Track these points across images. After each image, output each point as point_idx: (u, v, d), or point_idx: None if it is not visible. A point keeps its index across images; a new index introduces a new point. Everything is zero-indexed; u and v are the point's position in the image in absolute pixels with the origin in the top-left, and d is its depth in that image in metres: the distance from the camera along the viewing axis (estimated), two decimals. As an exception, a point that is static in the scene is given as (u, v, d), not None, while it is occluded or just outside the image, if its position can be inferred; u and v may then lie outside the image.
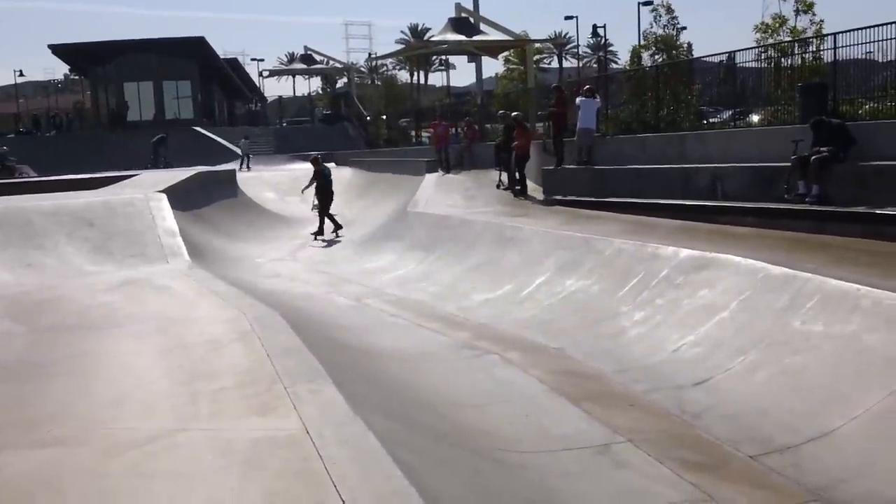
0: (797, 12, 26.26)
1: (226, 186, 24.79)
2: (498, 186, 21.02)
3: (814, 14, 26.02)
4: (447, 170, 24.61)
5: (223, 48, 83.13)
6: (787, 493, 5.55)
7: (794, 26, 26.05)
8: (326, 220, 21.40)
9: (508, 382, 8.20)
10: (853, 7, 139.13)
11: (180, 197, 18.63)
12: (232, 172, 27.82)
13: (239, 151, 40.25)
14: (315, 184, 21.56)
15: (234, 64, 67.76)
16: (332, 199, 21.66)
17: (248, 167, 38.09)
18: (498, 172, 21.42)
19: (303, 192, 23.25)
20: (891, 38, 13.68)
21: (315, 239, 21.03)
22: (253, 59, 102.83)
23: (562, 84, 23.06)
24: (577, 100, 18.79)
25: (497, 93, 45.07)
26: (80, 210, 15.77)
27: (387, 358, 9.09)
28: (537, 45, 55.80)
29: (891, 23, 13.54)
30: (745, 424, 6.59)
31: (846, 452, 5.82)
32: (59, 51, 57.24)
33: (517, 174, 19.88)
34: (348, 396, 5.84)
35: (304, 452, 4.81)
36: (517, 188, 19.89)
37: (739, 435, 6.43)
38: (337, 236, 21.33)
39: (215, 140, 46.25)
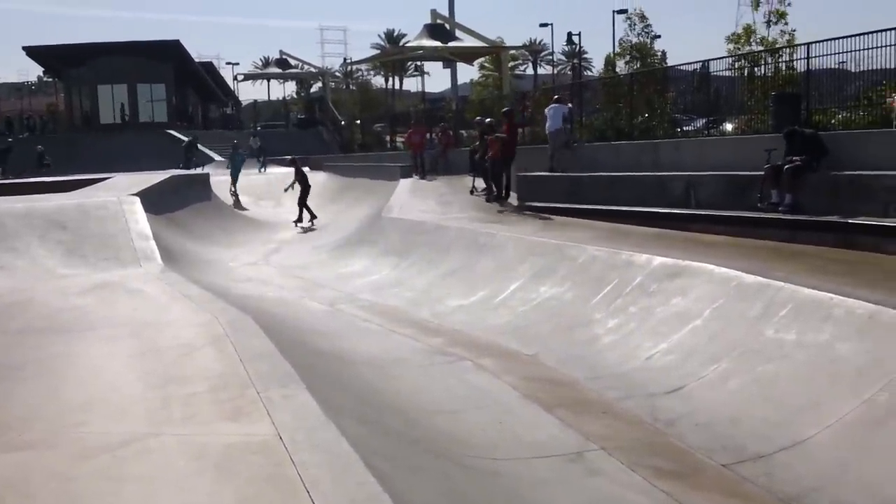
0: (769, 23, 26.52)
1: (199, 190, 24.62)
2: (471, 192, 20.96)
3: (786, 24, 26.28)
4: (422, 175, 24.46)
5: (198, 51, 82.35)
6: (760, 502, 5.58)
7: (766, 36, 26.29)
8: (305, 211, 24.56)
9: (482, 389, 8.19)
10: (826, 18, 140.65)
11: (154, 200, 18.48)
12: (206, 175, 27.66)
13: (251, 145, 39.98)
14: (296, 179, 24.88)
15: (209, 67, 67.41)
16: (308, 192, 24.84)
17: (264, 167, 37.67)
18: (472, 178, 21.40)
19: (285, 191, 25.73)
20: (863, 49, 13.83)
21: (296, 226, 24.25)
22: (228, 63, 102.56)
23: (513, 109, 22.01)
24: (546, 109, 19.09)
25: (472, 99, 45.16)
26: (53, 212, 15.59)
27: (360, 363, 9.05)
28: (512, 51, 56.00)
29: (864, 33, 13.69)
30: (717, 433, 6.62)
31: (819, 461, 5.85)
32: (34, 52, 56.81)
33: (499, 179, 19.54)
34: (321, 402, 5.80)
35: (277, 458, 4.77)
36: (495, 193, 19.53)
37: (712, 443, 6.45)
38: (312, 225, 24.21)
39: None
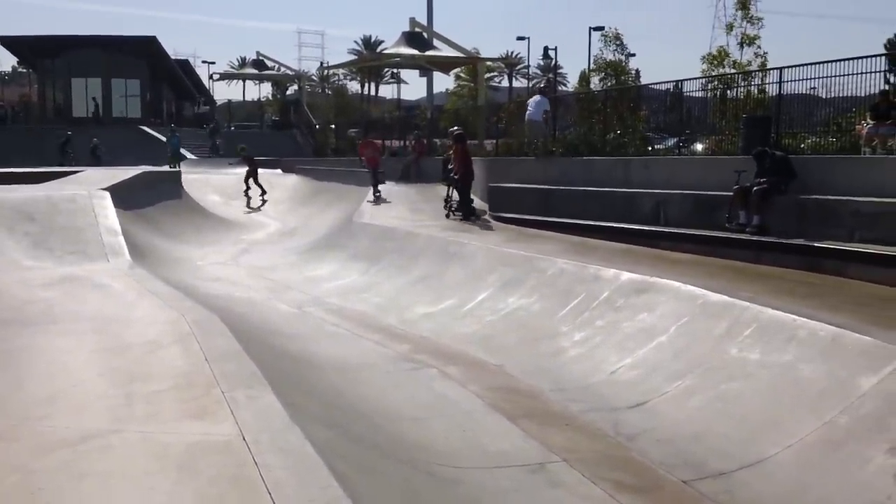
0: (741, 45, 26.86)
1: (170, 187, 24.45)
2: (445, 201, 20.80)
3: (758, 47, 26.64)
4: (377, 197, 22.21)
5: (174, 49, 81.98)
6: (719, 518, 5.63)
7: (738, 60, 26.61)
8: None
9: (447, 397, 8.21)
10: (798, 43, 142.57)
11: (123, 196, 18.33)
12: (177, 174, 27.49)
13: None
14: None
15: (184, 65, 66.99)
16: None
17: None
18: (445, 188, 21.28)
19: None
20: (834, 76, 14.06)
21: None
22: (204, 62, 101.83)
23: (464, 133, 21.10)
24: (529, 100, 19.79)
25: (447, 108, 45.25)
26: (21, 204, 15.42)
27: (326, 367, 9.04)
28: (489, 63, 56.19)
29: (835, 60, 13.93)
30: (679, 449, 6.67)
31: (779, 480, 5.92)
32: (7, 42, 56.15)
33: (464, 199, 19.04)
34: (286, 404, 5.79)
35: (240, 459, 4.75)
36: (456, 213, 18.99)
37: (674, 459, 6.50)
38: (263, 202, 27.65)
39: (161, 140, 45.69)
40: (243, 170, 29.01)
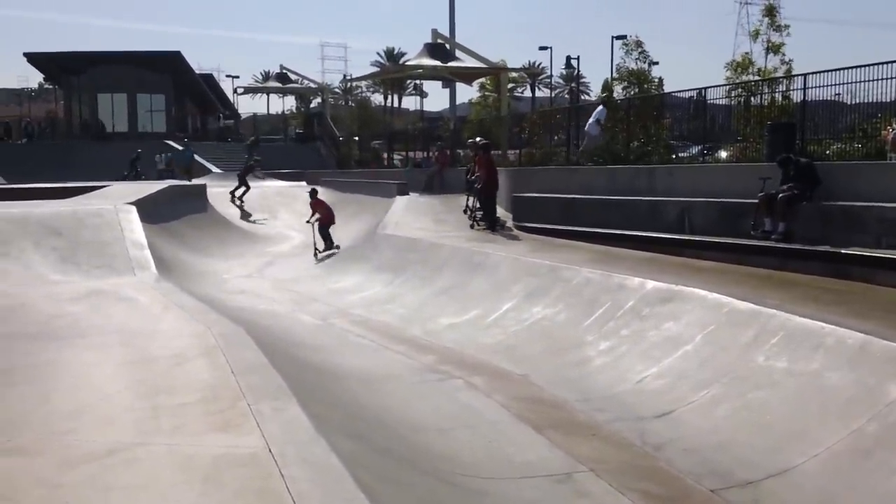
0: (767, 51, 26.80)
1: (195, 201, 24.64)
2: (465, 212, 20.83)
3: (783, 54, 26.57)
4: (326, 253, 20.90)
5: (199, 63, 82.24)
6: (746, 528, 5.58)
7: (764, 67, 26.54)
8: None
9: (472, 408, 8.19)
10: (822, 49, 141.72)
11: (149, 210, 18.49)
12: (202, 187, 27.66)
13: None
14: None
15: (208, 79, 67.49)
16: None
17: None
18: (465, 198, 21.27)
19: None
20: (859, 81, 13.97)
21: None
22: (228, 76, 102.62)
23: (490, 142, 21.24)
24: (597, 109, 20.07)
25: (471, 119, 45.31)
26: (48, 219, 15.58)
27: (351, 378, 9.05)
28: (511, 73, 56.25)
29: (860, 66, 13.84)
30: (706, 458, 6.62)
31: (806, 490, 5.86)
32: (34, 59, 56.84)
33: (483, 207, 19.03)
34: (312, 416, 5.80)
35: (266, 471, 4.76)
36: (481, 223, 18.93)
37: (700, 468, 6.46)
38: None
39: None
40: (270, 183, 29.16)
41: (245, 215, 28.12)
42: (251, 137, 42.58)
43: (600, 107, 20.07)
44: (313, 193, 22.72)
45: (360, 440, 6.22)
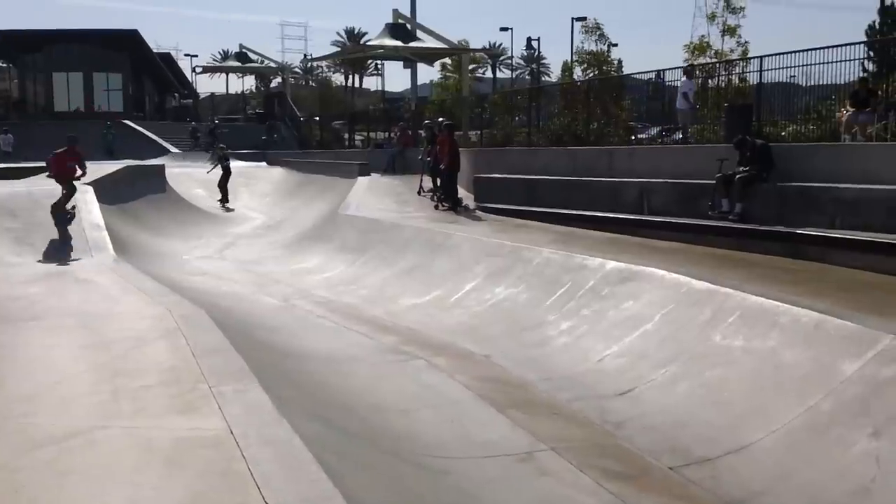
0: (723, 34, 27.05)
1: (154, 181, 24.39)
2: (419, 192, 20.84)
3: (739, 36, 26.84)
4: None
5: (156, 42, 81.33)
6: (705, 504, 5.67)
7: (721, 49, 26.79)
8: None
9: (434, 388, 8.22)
10: (778, 32, 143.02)
11: (107, 190, 18.29)
12: (161, 167, 27.37)
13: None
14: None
15: (167, 59, 66.53)
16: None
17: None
18: (430, 179, 21.23)
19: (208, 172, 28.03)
20: (814, 64, 14.15)
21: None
22: (186, 55, 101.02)
23: (453, 122, 21.15)
24: (681, 81, 17.63)
25: (433, 100, 45.22)
26: (3, 199, 15.38)
27: (313, 360, 9.04)
28: (473, 54, 56.16)
29: (814, 49, 14.02)
30: (665, 435, 6.72)
31: (764, 466, 5.98)
32: (-13, 37, 55.57)
33: (445, 187, 19.12)
34: (274, 398, 5.80)
35: (228, 453, 4.76)
36: (444, 203, 19.03)
37: (660, 446, 6.55)
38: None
39: (145, 134, 45.52)
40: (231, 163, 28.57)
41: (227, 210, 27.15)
42: (212, 120, 42.17)
43: (684, 78, 17.51)
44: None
45: (322, 421, 6.23)
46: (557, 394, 7.95)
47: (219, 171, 27.62)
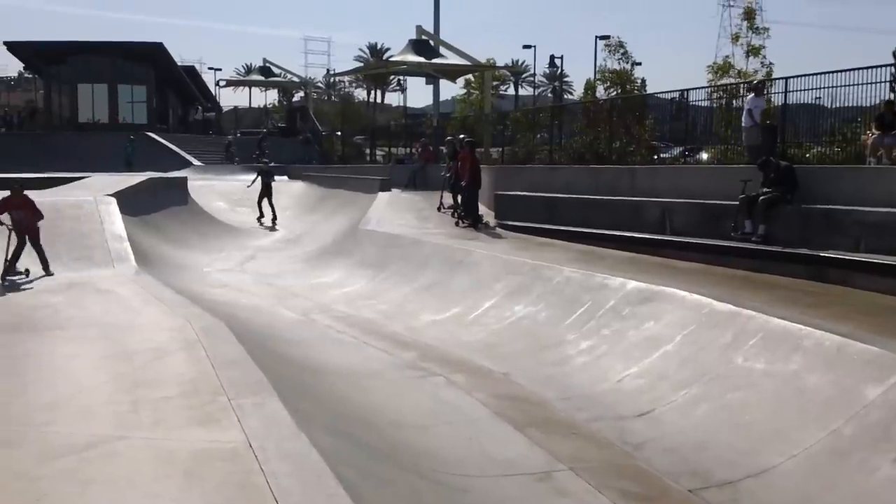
0: (747, 55, 26.98)
1: (176, 193, 24.50)
2: (439, 209, 20.85)
3: (764, 57, 26.77)
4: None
5: (181, 55, 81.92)
6: (724, 527, 5.62)
7: (745, 69, 26.73)
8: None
9: (452, 405, 8.21)
10: (804, 53, 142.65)
11: (130, 202, 18.39)
12: (183, 179, 27.48)
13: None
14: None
15: (190, 71, 67.06)
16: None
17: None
18: (450, 195, 21.20)
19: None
20: (839, 86, 14.08)
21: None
22: (210, 68, 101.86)
23: (474, 140, 20.90)
24: (748, 98, 16.10)
25: (455, 116, 45.31)
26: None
27: (332, 374, 9.05)
28: (495, 71, 56.29)
29: (839, 71, 13.95)
30: (685, 457, 6.67)
31: (784, 490, 5.92)
32: (14, 48, 56.18)
33: (466, 204, 19.08)
34: (292, 411, 5.80)
35: (247, 466, 4.77)
36: (465, 220, 19.01)
37: (679, 468, 6.50)
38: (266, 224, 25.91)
39: (168, 146, 45.83)
40: (251, 176, 28.41)
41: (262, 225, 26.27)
42: (263, 130, 42.76)
43: (751, 94, 15.89)
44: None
45: (340, 436, 6.23)
46: (576, 413, 7.91)
47: (257, 186, 26.25)
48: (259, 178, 26.56)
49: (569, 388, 8.63)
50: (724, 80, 25.19)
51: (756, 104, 15.45)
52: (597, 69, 34.99)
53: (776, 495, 5.88)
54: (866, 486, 5.61)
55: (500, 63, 64.25)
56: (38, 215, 13.18)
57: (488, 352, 10.25)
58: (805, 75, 14.57)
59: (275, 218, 26.10)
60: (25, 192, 13.29)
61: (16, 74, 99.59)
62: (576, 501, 5.92)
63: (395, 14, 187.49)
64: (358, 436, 6.61)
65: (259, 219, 26.24)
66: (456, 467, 6.35)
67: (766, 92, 15.81)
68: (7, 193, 13.14)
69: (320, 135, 50.43)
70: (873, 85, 13.70)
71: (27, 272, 12.80)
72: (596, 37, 49.16)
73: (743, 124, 15.66)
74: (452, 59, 32.62)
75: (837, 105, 14.95)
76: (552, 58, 65.26)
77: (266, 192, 26.23)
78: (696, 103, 18.54)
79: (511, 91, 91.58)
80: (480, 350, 10.37)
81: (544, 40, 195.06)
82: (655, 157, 20.71)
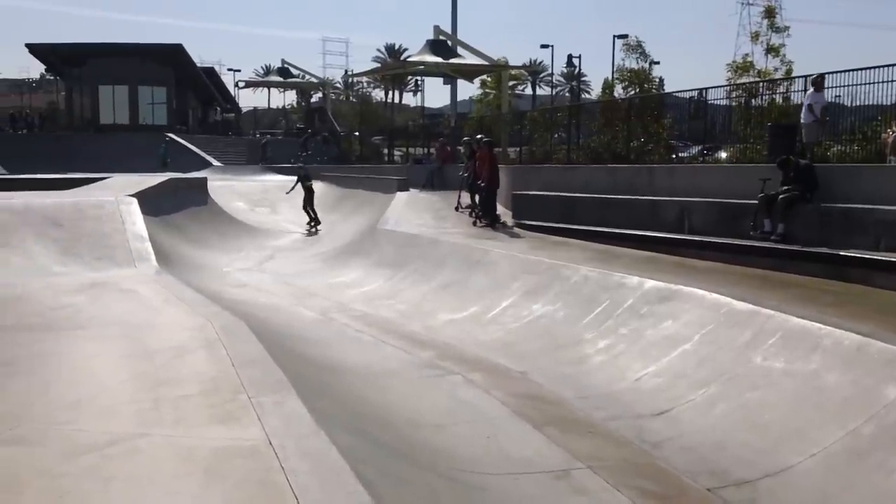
0: (767, 53, 26.84)
1: (196, 194, 24.65)
2: (457, 208, 20.88)
3: (783, 56, 26.63)
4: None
5: (200, 56, 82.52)
6: (742, 526, 5.62)
7: (764, 68, 26.59)
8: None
9: (470, 403, 8.23)
10: (824, 51, 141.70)
11: (151, 202, 18.50)
12: (203, 180, 27.64)
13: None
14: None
15: (210, 73, 67.41)
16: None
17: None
18: (468, 195, 21.20)
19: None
20: (859, 84, 14.00)
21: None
22: (229, 70, 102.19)
23: (492, 140, 21.23)
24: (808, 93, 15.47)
25: (472, 116, 45.32)
26: (50, 210, 15.57)
27: (350, 373, 9.08)
28: (513, 71, 56.22)
29: (859, 69, 13.87)
30: (703, 456, 6.66)
31: (802, 489, 5.90)
32: (36, 50, 56.67)
33: (484, 204, 19.22)
34: (311, 410, 5.83)
35: (267, 464, 4.80)
36: (482, 220, 19.12)
37: (697, 467, 6.50)
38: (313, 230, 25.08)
39: (187, 147, 46.13)
40: (271, 176, 28.50)
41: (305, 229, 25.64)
42: (307, 130, 43.28)
43: (811, 89, 15.19)
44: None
45: (359, 434, 6.26)
46: (594, 412, 7.91)
47: (300, 191, 25.70)
48: (299, 182, 25.84)
49: (587, 387, 8.64)
50: (744, 79, 25.05)
51: (816, 99, 14.96)
52: (615, 68, 34.92)
53: (794, 494, 5.87)
54: (885, 486, 5.59)
55: (517, 63, 64.29)
56: None
57: (506, 351, 10.27)
58: (825, 73, 14.51)
59: (318, 221, 25.43)
60: None
61: (38, 76, 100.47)
62: (594, 500, 5.93)
63: (413, 15, 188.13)
64: (376, 434, 6.64)
65: (313, 224, 25.30)
66: (473, 465, 6.37)
67: (826, 87, 15.09)
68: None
69: (339, 135, 50.54)
70: (893, 83, 13.61)
71: None
72: (614, 36, 49.01)
73: (802, 120, 15.31)
74: (470, 59, 32.61)
75: (858, 103, 14.85)
76: (570, 57, 64.92)
77: (309, 195, 25.55)
78: (715, 102, 18.46)
79: (529, 91, 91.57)
80: (498, 349, 10.39)
81: (562, 40, 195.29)
82: (673, 156, 20.65)
